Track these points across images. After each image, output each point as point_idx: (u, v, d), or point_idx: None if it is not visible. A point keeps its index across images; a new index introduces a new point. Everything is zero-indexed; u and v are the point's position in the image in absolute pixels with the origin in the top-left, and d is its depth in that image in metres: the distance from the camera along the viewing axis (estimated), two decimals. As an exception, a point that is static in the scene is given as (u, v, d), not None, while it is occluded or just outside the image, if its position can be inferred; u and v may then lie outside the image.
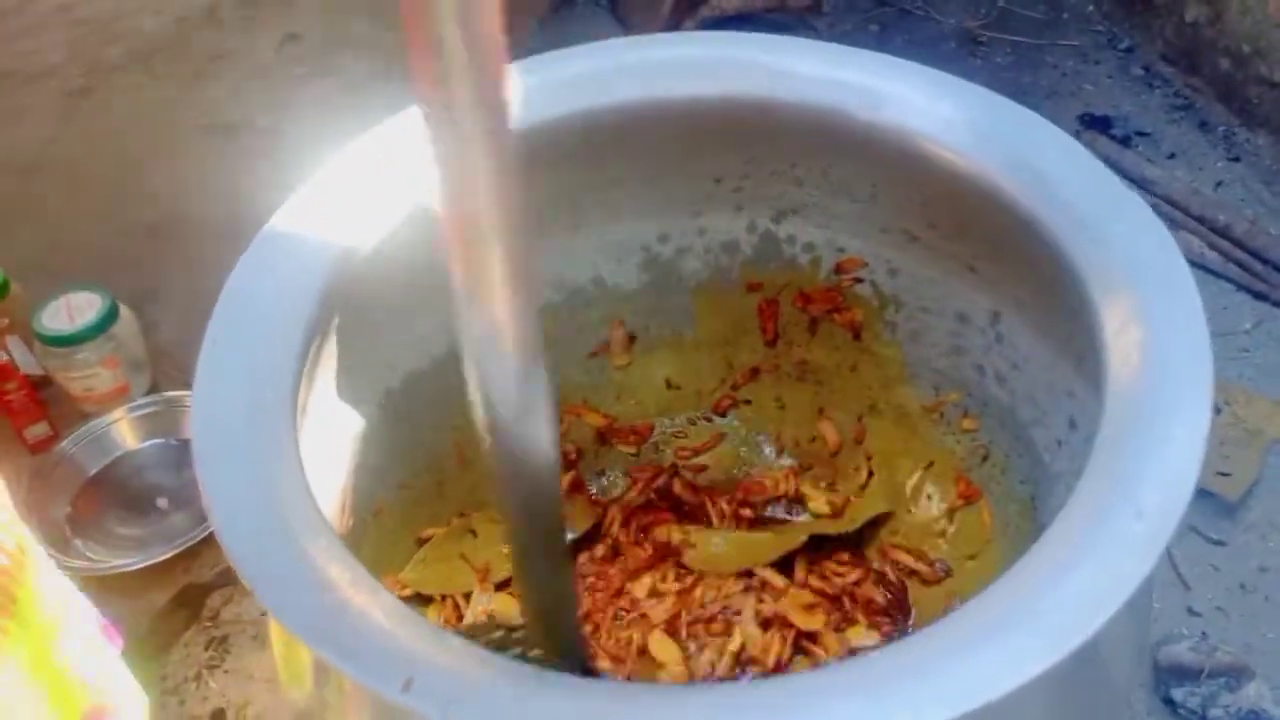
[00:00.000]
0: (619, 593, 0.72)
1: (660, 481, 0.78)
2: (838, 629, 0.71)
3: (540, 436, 0.41)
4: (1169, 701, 0.86)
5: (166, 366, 1.11)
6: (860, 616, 0.71)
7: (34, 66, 1.49)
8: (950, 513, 0.74)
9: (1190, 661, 0.87)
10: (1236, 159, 1.29)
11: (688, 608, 0.71)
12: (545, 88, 0.64)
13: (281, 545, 0.45)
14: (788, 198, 0.70)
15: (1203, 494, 0.98)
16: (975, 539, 0.72)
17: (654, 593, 0.72)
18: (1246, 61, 1.28)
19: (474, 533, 0.73)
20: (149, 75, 1.47)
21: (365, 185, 0.60)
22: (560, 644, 0.50)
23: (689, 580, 0.73)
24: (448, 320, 0.68)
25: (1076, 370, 0.59)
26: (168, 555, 0.94)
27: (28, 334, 1.04)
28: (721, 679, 0.67)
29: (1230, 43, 1.29)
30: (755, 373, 0.79)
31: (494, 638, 0.53)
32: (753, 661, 0.69)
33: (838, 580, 0.72)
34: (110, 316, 1.03)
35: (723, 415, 0.81)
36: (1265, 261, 1.17)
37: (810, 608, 0.70)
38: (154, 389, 1.09)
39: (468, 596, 0.71)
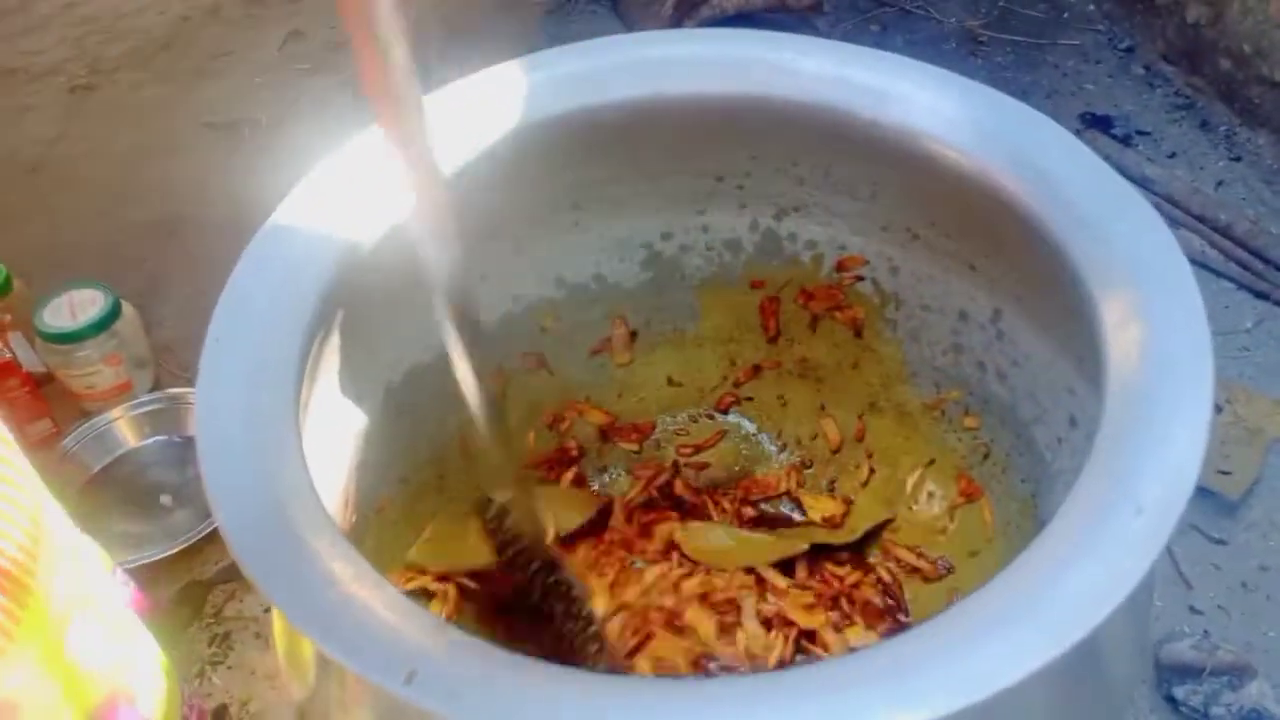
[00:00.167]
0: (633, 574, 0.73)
1: (662, 480, 0.78)
2: (837, 628, 0.71)
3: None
4: (1171, 699, 0.86)
5: (169, 363, 1.11)
6: (858, 618, 0.71)
7: (38, 64, 1.49)
8: (951, 510, 0.74)
9: (1192, 660, 0.87)
10: (1238, 158, 1.29)
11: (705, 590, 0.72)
12: (548, 84, 0.64)
13: (285, 540, 0.45)
14: (790, 195, 0.71)
15: (1204, 493, 0.98)
16: (976, 537, 0.72)
17: (665, 578, 0.72)
18: (1247, 61, 1.28)
19: (478, 514, 0.74)
20: (152, 73, 1.48)
21: (367, 180, 0.60)
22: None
23: (695, 571, 0.73)
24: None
25: (1077, 368, 0.59)
26: (170, 552, 0.94)
27: (30, 331, 1.04)
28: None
29: (1231, 43, 1.29)
30: (757, 370, 0.80)
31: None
32: (754, 659, 0.69)
33: (835, 583, 0.73)
34: (113, 313, 1.03)
35: (724, 412, 0.81)
36: (1266, 261, 1.17)
37: (810, 607, 0.70)
38: (156, 386, 1.09)
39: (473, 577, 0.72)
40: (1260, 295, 1.15)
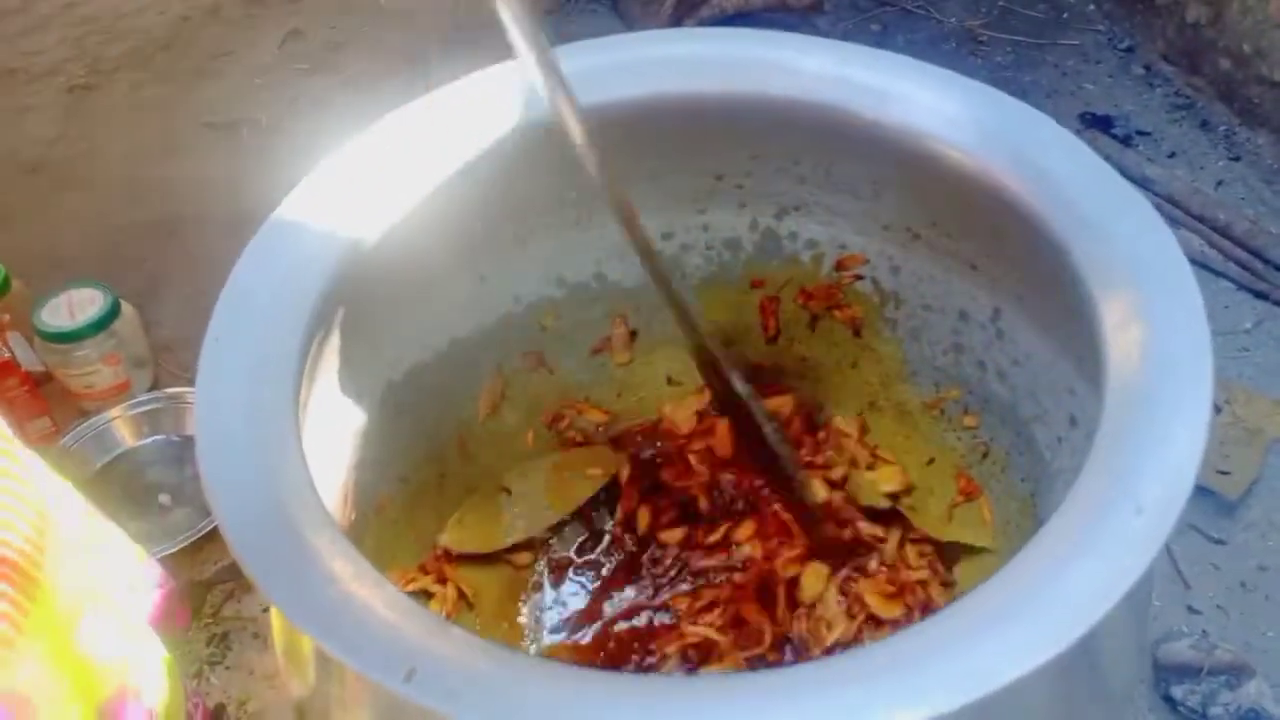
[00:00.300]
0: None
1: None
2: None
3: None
4: (1169, 699, 0.86)
5: (168, 363, 1.11)
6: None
7: (37, 65, 1.49)
8: (950, 509, 0.74)
9: (1190, 659, 0.87)
10: (1237, 158, 1.29)
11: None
12: (548, 84, 0.64)
13: (285, 539, 0.45)
14: (790, 195, 0.71)
15: (1203, 492, 0.98)
16: (975, 535, 0.72)
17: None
18: (1247, 61, 1.28)
19: (508, 491, 0.74)
20: (151, 73, 1.48)
21: (367, 180, 0.60)
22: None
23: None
24: (449, 313, 0.69)
25: (1077, 368, 0.59)
26: (169, 552, 0.94)
27: (29, 330, 1.04)
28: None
29: (1231, 42, 1.29)
30: (757, 369, 0.80)
31: None
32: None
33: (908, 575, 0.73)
34: (111, 313, 1.03)
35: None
36: (1266, 261, 1.17)
37: (890, 597, 0.70)
38: (155, 385, 1.09)
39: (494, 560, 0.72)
40: (1260, 295, 1.15)
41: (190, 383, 1.07)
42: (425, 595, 0.71)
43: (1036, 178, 0.57)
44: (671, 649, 0.69)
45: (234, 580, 0.95)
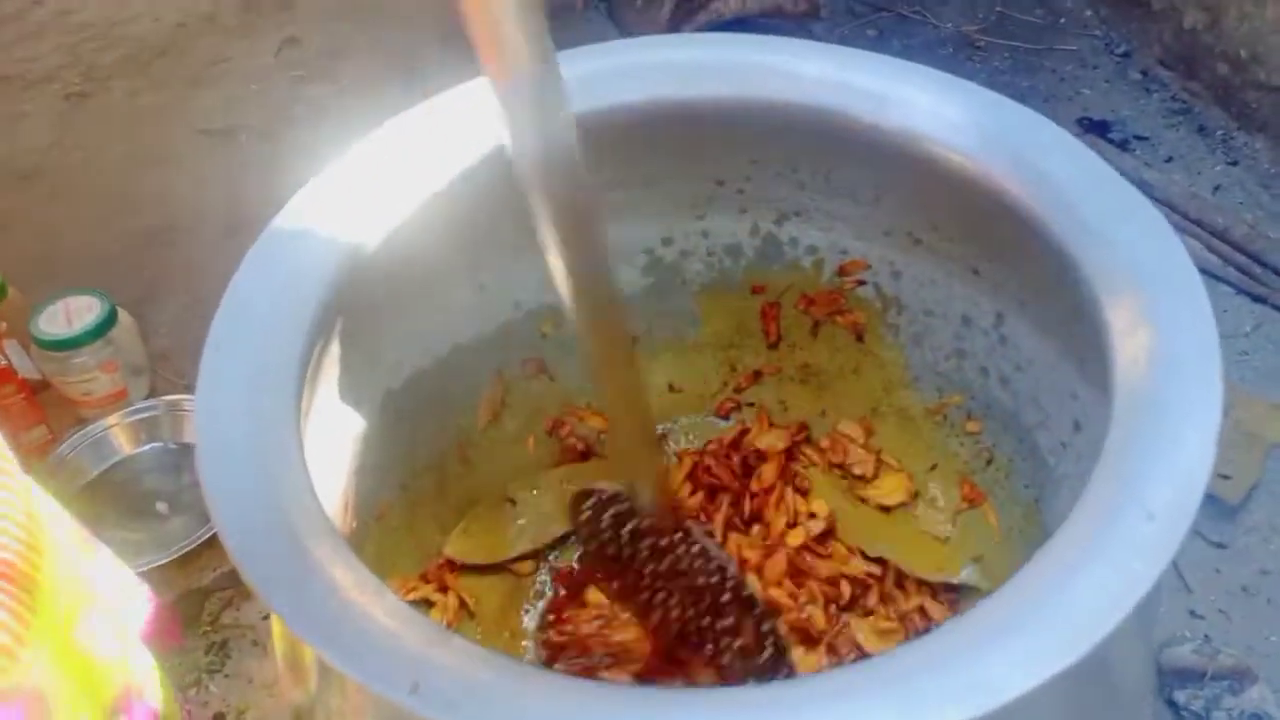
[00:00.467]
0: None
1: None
2: None
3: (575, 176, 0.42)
4: (1172, 704, 0.86)
5: (164, 370, 1.11)
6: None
7: (33, 72, 1.48)
8: (954, 516, 0.74)
9: (1193, 664, 0.87)
10: (1235, 163, 1.29)
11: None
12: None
13: (286, 547, 0.44)
14: (790, 200, 0.70)
15: (1204, 497, 0.98)
16: (980, 542, 0.72)
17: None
18: (1244, 66, 1.28)
19: (513, 501, 0.74)
20: (147, 80, 1.47)
21: (367, 187, 0.59)
22: (653, 483, 0.52)
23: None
24: (449, 320, 0.69)
25: (1080, 372, 0.59)
26: (166, 560, 0.93)
27: (25, 338, 1.03)
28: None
29: (1228, 47, 1.30)
30: (758, 375, 0.79)
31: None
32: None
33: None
34: (109, 321, 1.02)
35: (725, 418, 0.81)
36: (1264, 265, 1.17)
37: (886, 634, 0.69)
38: (152, 393, 1.08)
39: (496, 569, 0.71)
40: (1258, 299, 1.15)
41: (187, 390, 1.07)
42: (426, 604, 0.71)
43: (1038, 181, 0.56)
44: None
45: (232, 588, 0.95)
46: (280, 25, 1.54)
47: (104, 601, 0.54)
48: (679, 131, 0.67)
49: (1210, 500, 0.98)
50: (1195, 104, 1.36)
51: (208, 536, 0.94)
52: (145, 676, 0.56)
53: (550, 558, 0.76)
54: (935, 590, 0.71)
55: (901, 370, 0.74)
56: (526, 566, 0.75)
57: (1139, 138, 1.32)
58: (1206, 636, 0.90)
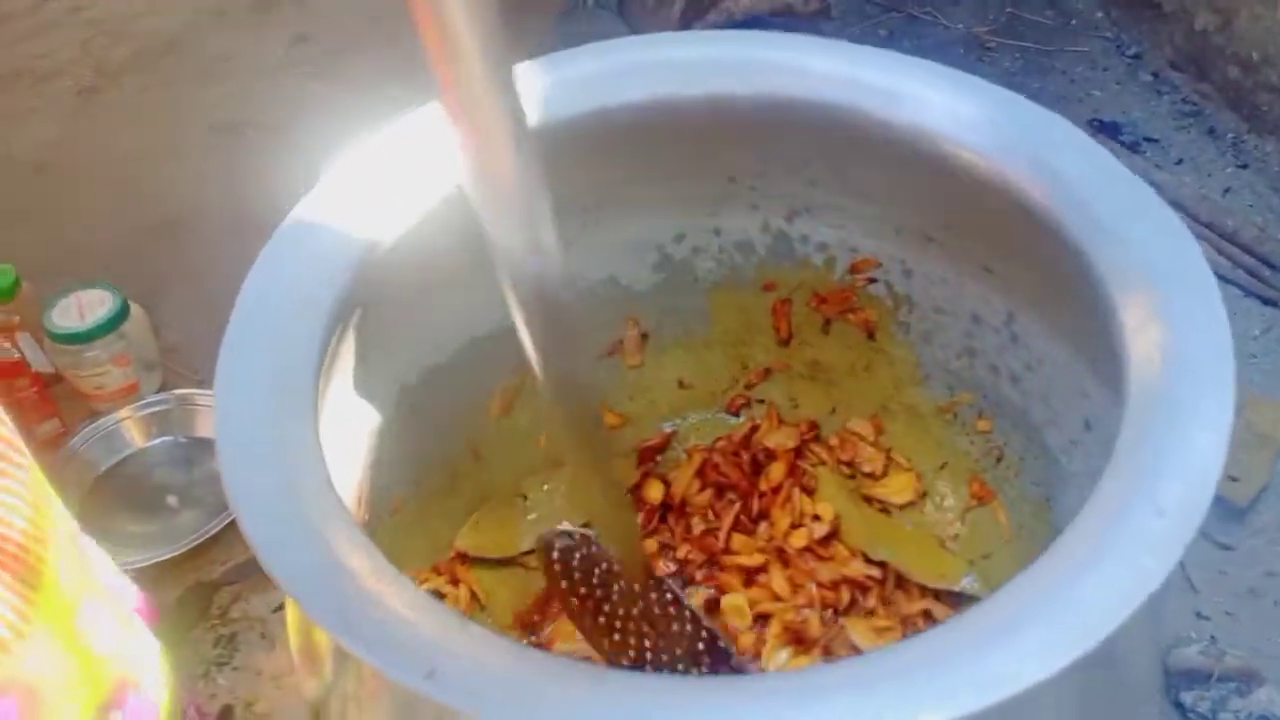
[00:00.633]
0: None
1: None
2: None
3: (552, 277, 0.41)
4: (1179, 705, 0.86)
5: (176, 364, 1.11)
6: None
7: (45, 67, 1.49)
8: (963, 514, 0.74)
9: (1200, 665, 0.87)
10: (1245, 165, 1.29)
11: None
12: (560, 86, 0.64)
13: (303, 535, 0.45)
14: (802, 197, 0.71)
15: (1212, 499, 0.98)
16: (989, 540, 0.72)
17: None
18: (1256, 69, 1.28)
19: (525, 497, 0.74)
20: (157, 76, 1.48)
21: (383, 181, 0.60)
22: (624, 542, 0.52)
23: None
24: (463, 315, 0.69)
25: (1092, 371, 0.59)
26: (176, 553, 0.94)
27: (39, 332, 1.04)
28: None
29: (1239, 49, 1.30)
30: (768, 372, 0.80)
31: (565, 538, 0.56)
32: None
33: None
34: (121, 314, 1.03)
35: (736, 415, 0.81)
36: (1273, 267, 1.17)
37: (882, 631, 0.69)
38: (164, 387, 1.09)
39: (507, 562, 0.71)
40: (1268, 302, 1.15)
41: (198, 384, 1.08)
42: (438, 596, 0.71)
43: (1051, 179, 0.56)
44: None
45: (241, 581, 0.95)
46: (290, 22, 1.54)
47: (104, 592, 0.54)
48: (690, 128, 0.67)
49: (1218, 502, 0.97)
50: (1206, 106, 1.36)
51: (217, 530, 0.95)
52: (145, 669, 0.56)
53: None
54: (938, 595, 0.72)
55: (912, 368, 0.74)
56: (536, 561, 0.75)
57: (1149, 140, 1.32)
58: (1213, 638, 0.90)
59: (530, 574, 0.75)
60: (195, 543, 0.94)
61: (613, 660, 0.60)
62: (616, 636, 0.59)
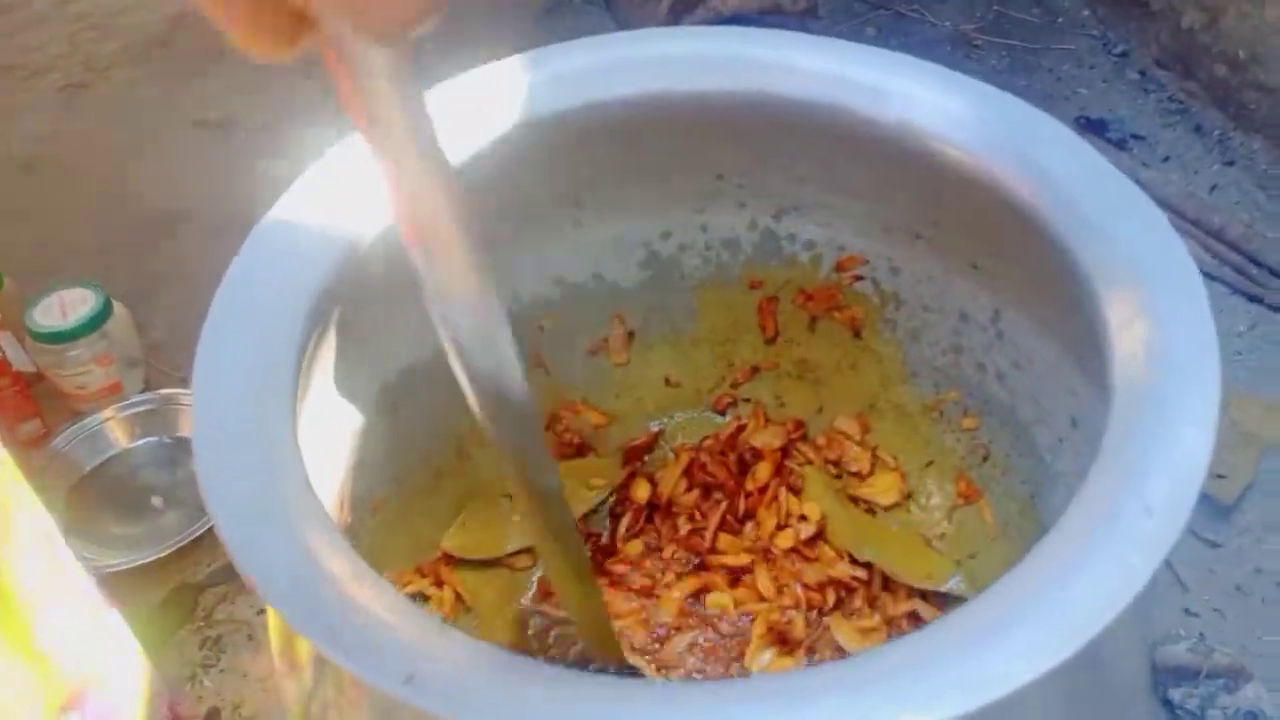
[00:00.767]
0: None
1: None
2: None
3: (512, 382, 0.41)
4: (1167, 702, 0.86)
5: (160, 364, 1.10)
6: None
7: (32, 62, 1.48)
8: (950, 512, 0.74)
9: (1188, 662, 0.87)
10: (1231, 163, 1.29)
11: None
12: (548, 82, 0.64)
13: (282, 539, 0.44)
14: (789, 195, 0.70)
15: (1199, 497, 0.98)
16: (975, 539, 0.72)
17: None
18: (1243, 66, 1.28)
19: (510, 496, 0.74)
20: (146, 71, 1.47)
21: (364, 178, 0.59)
22: (599, 637, 0.52)
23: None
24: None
25: (1079, 368, 0.59)
26: (161, 554, 0.93)
27: (20, 330, 1.03)
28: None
29: (1226, 48, 1.30)
30: (755, 371, 0.79)
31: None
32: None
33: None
34: (104, 313, 1.02)
35: (722, 414, 0.81)
36: (1259, 264, 1.17)
37: (868, 632, 0.69)
38: (148, 387, 1.08)
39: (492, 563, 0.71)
40: (1254, 299, 1.16)
41: (182, 383, 1.07)
42: (422, 598, 0.70)
43: (1038, 176, 0.56)
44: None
45: (227, 583, 0.94)
46: (278, 18, 1.54)
47: (72, 591, 0.53)
48: (678, 125, 0.66)
49: (1205, 500, 0.98)
50: (1193, 104, 1.36)
51: (202, 531, 0.94)
52: (112, 669, 0.55)
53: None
54: (925, 595, 0.71)
55: (899, 366, 0.74)
56: (523, 561, 0.75)
57: (1136, 137, 1.33)
58: (1201, 635, 0.90)
59: (516, 575, 0.75)
60: (180, 544, 0.94)
61: None
62: None
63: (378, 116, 0.32)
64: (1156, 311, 0.48)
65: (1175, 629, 0.91)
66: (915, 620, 0.70)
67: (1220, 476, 1.00)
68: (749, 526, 0.75)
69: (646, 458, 0.79)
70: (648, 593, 0.72)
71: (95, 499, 1.00)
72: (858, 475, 0.76)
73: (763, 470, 0.76)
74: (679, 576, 0.73)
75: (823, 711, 0.37)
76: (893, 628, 0.69)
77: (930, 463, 0.75)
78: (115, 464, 1.02)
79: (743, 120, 0.65)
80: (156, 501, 1.00)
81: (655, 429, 0.80)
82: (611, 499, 0.78)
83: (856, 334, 0.75)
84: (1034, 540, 0.43)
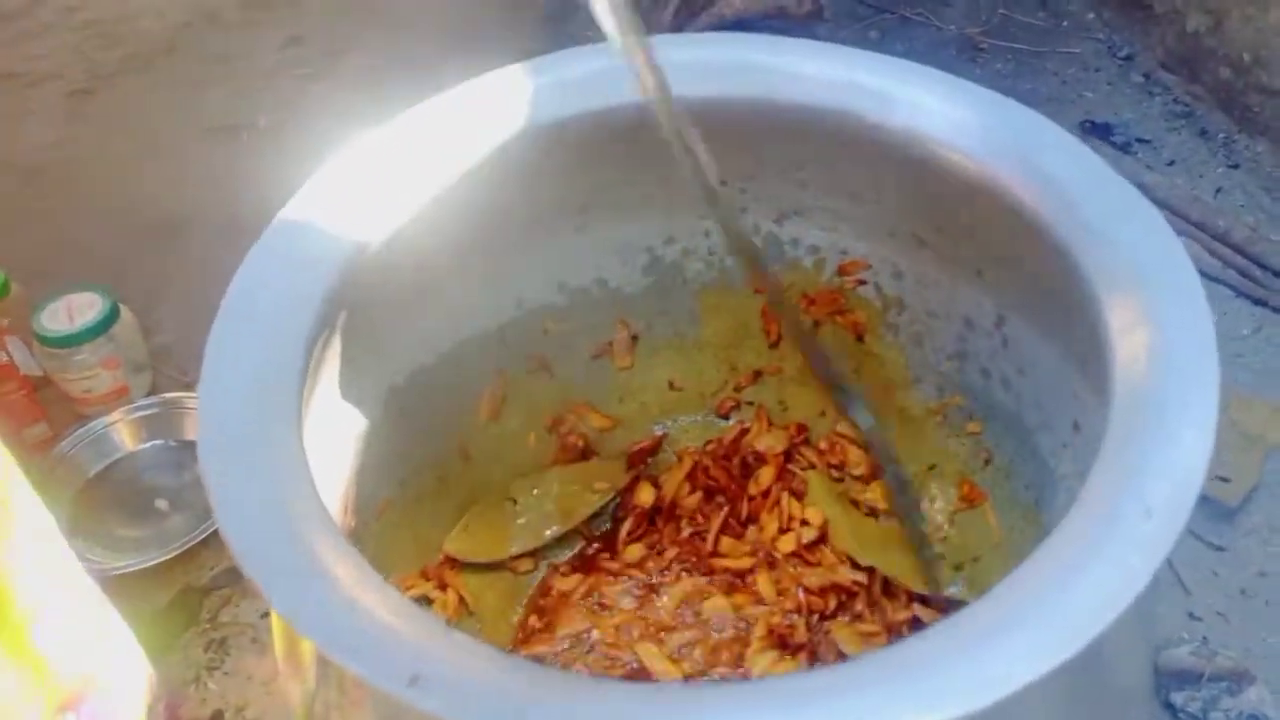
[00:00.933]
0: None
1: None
2: None
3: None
4: (1169, 706, 0.86)
5: (167, 368, 1.11)
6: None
7: (39, 69, 1.48)
8: (952, 516, 0.74)
9: (1191, 665, 0.87)
10: (1236, 166, 1.29)
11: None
12: (552, 88, 0.64)
13: (286, 542, 0.45)
14: (792, 200, 0.71)
15: (1202, 499, 0.96)
16: (978, 542, 0.72)
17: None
18: (1247, 70, 1.28)
19: (514, 501, 0.74)
20: (151, 78, 1.47)
21: (372, 182, 0.60)
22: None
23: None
24: (452, 316, 0.69)
25: (1081, 373, 0.59)
26: (166, 557, 0.93)
27: (28, 335, 1.03)
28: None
29: (1231, 51, 1.30)
30: (758, 375, 0.79)
31: None
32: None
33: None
34: (111, 317, 1.03)
35: (726, 418, 0.81)
36: (1264, 267, 1.17)
37: (868, 636, 0.69)
38: (154, 390, 1.08)
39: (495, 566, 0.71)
40: (1258, 302, 1.16)
41: (188, 387, 1.07)
42: (425, 601, 0.71)
43: (1042, 182, 0.57)
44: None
45: (231, 586, 0.95)
46: (284, 23, 1.54)
47: (72, 592, 0.53)
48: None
49: (1209, 503, 0.98)
50: (1197, 107, 1.36)
51: (207, 534, 0.94)
52: (113, 670, 0.55)
53: (550, 551, 0.77)
54: (926, 600, 0.71)
55: (902, 371, 0.74)
56: (525, 564, 0.75)
57: (1141, 141, 1.33)
58: (1204, 638, 0.90)
59: (518, 578, 0.75)
60: (185, 547, 0.94)
61: None
62: None
63: None
64: (1157, 316, 0.49)
65: (1178, 632, 0.91)
66: (916, 625, 0.70)
67: (1224, 479, 1.00)
68: (751, 530, 0.75)
69: (650, 461, 0.80)
70: (650, 594, 0.72)
71: (101, 502, 1.00)
72: (860, 479, 0.76)
73: (765, 474, 0.76)
74: (680, 579, 0.73)
75: (824, 712, 0.37)
76: (893, 633, 0.69)
77: (932, 466, 0.75)
78: (121, 467, 1.03)
79: (746, 126, 0.66)
80: (162, 504, 1.00)
81: (659, 433, 0.81)
82: (615, 502, 0.78)
83: (859, 338, 0.75)
84: (1036, 544, 0.43)
